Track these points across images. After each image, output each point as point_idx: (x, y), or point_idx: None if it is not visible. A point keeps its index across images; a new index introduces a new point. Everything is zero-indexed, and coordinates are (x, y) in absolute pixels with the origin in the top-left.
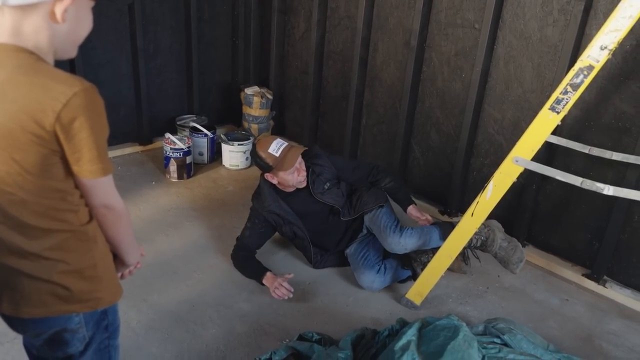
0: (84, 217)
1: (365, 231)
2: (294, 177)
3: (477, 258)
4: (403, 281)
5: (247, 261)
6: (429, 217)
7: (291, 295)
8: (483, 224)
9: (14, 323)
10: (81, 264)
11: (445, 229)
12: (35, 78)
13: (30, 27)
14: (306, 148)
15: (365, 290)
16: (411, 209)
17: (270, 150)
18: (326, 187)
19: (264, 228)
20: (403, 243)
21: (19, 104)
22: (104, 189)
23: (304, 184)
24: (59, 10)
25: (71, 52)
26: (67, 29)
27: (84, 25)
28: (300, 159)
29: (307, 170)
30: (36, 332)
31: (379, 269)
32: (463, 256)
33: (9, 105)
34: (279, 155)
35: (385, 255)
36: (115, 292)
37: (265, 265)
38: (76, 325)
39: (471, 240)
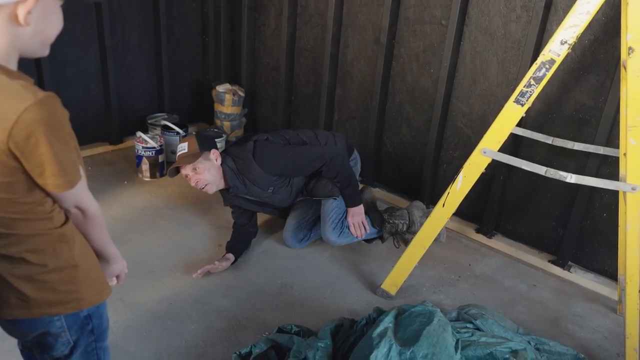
0: (59, 220)
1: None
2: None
3: (403, 244)
4: (369, 241)
5: (233, 238)
6: (362, 232)
7: (197, 275)
8: (405, 208)
9: (2, 325)
10: (60, 265)
11: (375, 218)
12: None
13: None
14: (203, 154)
15: (341, 280)
16: (349, 216)
17: (177, 152)
18: (269, 191)
19: (241, 209)
20: (338, 242)
21: None
22: (73, 196)
23: (208, 191)
24: (21, 12)
25: (41, 52)
26: (32, 30)
27: (53, 25)
28: (191, 166)
29: (242, 178)
30: (20, 334)
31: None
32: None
33: None
34: (176, 159)
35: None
36: (99, 292)
37: (243, 257)
38: (58, 330)
39: (397, 225)
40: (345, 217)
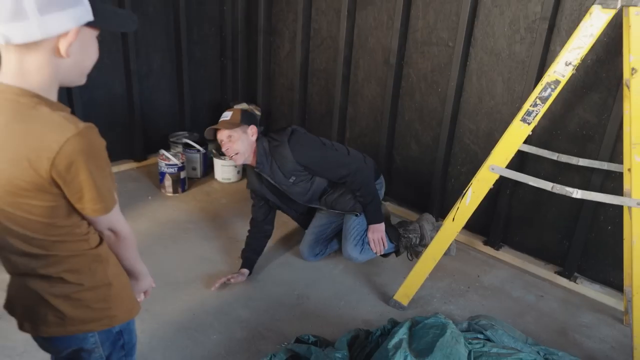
0: (94, 241)
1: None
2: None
3: (415, 257)
4: (385, 255)
5: (248, 245)
6: (381, 247)
7: (215, 288)
8: (417, 222)
9: (38, 341)
10: (96, 284)
11: (391, 233)
12: (31, 126)
13: (34, 64)
14: (242, 126)
15: (355, 291)
16: (369, 232)
17: (221, 118)
18: (291, 180)
19: (261, 202)
20: (359, 259)
21: (18, 153)
22: (108, 219)
23: (236, 161)
24: (63, 45)
25: (79, 81)
26: (72, 61)
27: (90, 56)
28: (227, 132)
29: (271, 160)
30: (55, 350)
31: (362, 244)
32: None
33: (9, 153)
34: (218, 121)
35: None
36: (130, 309)
37: (258, 266)
38: (92, 346)
39: (411, 239)
40: (366, 233)
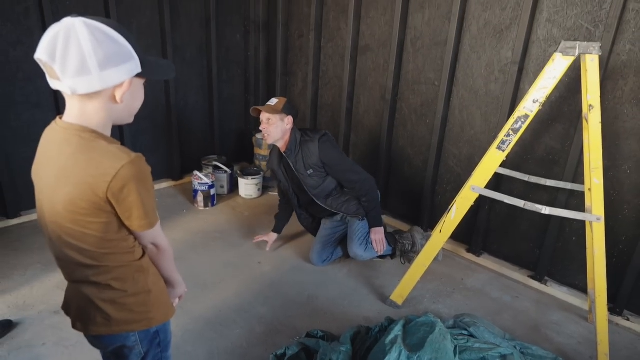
0: (139, 254)
1: (339, 218)
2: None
3: (407, 262)
4: (382, 257)
5: (279, 212)
6: (382, 247)
7: (255, 241)
8: (408, 232)
9: (88, 339)
10: (138, 291)
11: (389, 238)
12: (92, 155)
13: (94, 108)
14: (281, 114)
15: (357, 292)
16: (372, 234)
17: (268, 102)
18: (309, 172)
19: (278, 182)
20: (364, 256)
21: (80, 177)
22: (151, 234)
23: (267, 139)
24: (118, 94)
25: (128, 120)
26: (124, 105)
27: (138, 100)
28: (268, 115)
29: (299, 150)
30: (102, 346)
31: (366, 244)
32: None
33: (74, 178)
34: (265, 104)
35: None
36: (166, 313)
37: (274, 269)
38: (133, 343)
39: (405, 245)
40: (368, 235)
